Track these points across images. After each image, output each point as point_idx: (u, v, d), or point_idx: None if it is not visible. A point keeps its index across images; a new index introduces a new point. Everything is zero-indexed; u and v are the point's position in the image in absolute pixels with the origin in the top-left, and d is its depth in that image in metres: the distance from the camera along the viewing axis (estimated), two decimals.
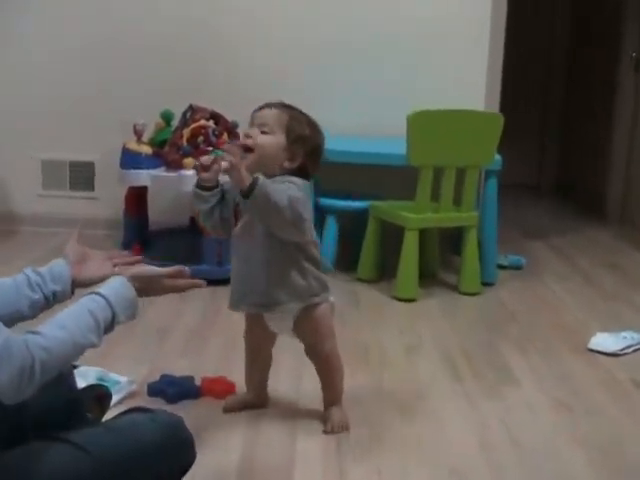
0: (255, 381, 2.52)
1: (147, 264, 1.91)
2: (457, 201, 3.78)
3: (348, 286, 3.83)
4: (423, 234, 3.79)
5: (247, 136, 2.26)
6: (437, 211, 3.76)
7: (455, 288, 3.86)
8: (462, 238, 3.83)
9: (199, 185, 2.24)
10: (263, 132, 2.24)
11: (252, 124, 2.27)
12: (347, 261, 4.01)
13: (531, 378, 2.88)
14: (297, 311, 2.32)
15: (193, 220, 3.96)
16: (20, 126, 4.59)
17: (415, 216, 3.69)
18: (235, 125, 3.95)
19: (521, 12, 5.45)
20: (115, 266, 1.88)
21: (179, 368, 2.72)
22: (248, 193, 2.11)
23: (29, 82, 4.58)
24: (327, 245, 3.91)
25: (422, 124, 3.59)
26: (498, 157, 3.90)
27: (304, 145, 2.27)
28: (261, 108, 2.30)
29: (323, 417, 2.43)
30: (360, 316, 3.48)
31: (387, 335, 3.25)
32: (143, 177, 3.86)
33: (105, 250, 1.96)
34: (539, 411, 2.63)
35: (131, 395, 2.53)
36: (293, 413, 2.51)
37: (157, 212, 4.35)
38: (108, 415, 1.99)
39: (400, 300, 3.66)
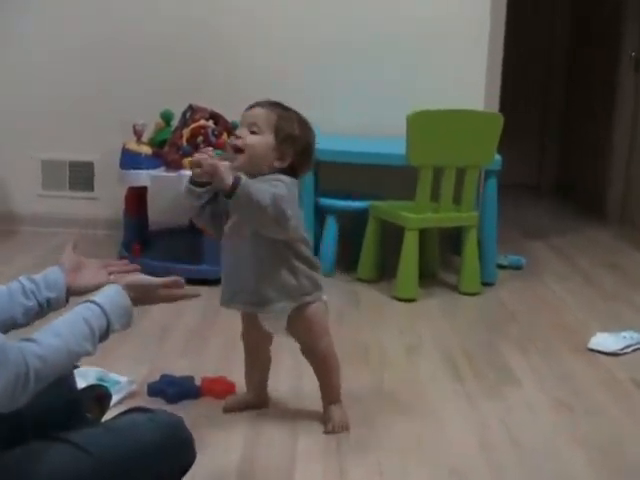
0: (255, 381, 2.52)
1: (143, 273, 1.87)
2: (457, 201, 3.78)
3: (348, 286, 3.83)
4: (423, 234, 3.79)
5: (236, 137, 2.26)
6: (437, 211, 3.76)
7: (455, 288, 3.86)
8: (462, 238, 3.83)
9: (192, 181, 2.24)
10: (252, 132, 2.24)
11: (242, 124, 2.27)
12: (347, 261, 4.02)
13: (531, 378, 2.88)
14: (290, 310, 2.31)
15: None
16: (20, 126, 4.59)
17: (415, 216, 3.69)
18: (235, 125, 3.93)
19: (521, 12, 5.45)
20: (110, 274, 1.87)
21: (179, 368, 2.72)
22: (231, 193, 2.11)
23: (29, 82, 4.58)
24: (327, 245, 3.92)
25: (422, 124, 3.59)
26: (498, 157, 3.89)
27: (294, 144, 2.26)
28: (251, 107, 2.29)
29: (323, 417, 2.43)
30: (360, 316, 3.48)
31: (387, 335, 3.25)
32: (143, 177, 3.86)
33: (102, 256, 1.95)
34: (539, 411, 2.63)
35: (131, 395, 2.53)
36: (293, 413, 2.51)
37: (157, 212, 4.34)
38: (108, 415, 1.99)
39: (400, 300, 3.66)
